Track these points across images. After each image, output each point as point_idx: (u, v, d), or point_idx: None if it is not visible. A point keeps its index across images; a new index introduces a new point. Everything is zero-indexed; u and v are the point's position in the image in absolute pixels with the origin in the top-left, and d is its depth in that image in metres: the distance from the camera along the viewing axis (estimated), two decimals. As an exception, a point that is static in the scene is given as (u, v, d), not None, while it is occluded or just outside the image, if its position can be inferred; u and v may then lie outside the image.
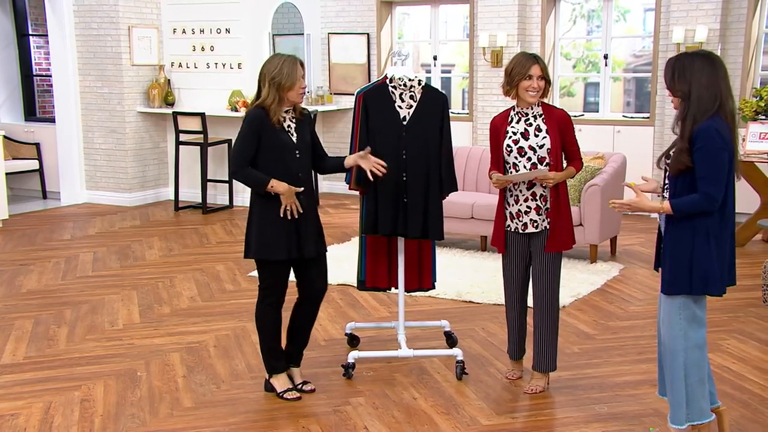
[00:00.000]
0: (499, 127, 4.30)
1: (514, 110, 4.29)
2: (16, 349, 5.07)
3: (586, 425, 3.95)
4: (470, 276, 6.51)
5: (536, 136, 4.19)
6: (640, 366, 4.68)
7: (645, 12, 10.65)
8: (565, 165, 4.30)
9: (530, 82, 4.15)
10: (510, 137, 4.24)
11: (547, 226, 4.23)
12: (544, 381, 4.38)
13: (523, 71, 4.16)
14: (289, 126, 4.19)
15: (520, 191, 4.23)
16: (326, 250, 4.35)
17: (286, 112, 4.20)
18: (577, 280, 6.38)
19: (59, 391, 4.41)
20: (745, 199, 8.25)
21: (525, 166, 4.20)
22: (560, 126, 4.21)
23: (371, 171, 4.26)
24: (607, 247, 7.38)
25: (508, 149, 4.23)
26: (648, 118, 9.11)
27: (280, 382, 4.32)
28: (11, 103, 11.19)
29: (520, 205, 4.24)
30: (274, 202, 4.13)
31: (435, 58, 10.46)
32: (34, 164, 10.48)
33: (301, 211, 4.15)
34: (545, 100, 4.30)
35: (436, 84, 10.32)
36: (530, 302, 4.39)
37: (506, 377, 4.54)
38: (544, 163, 4.19)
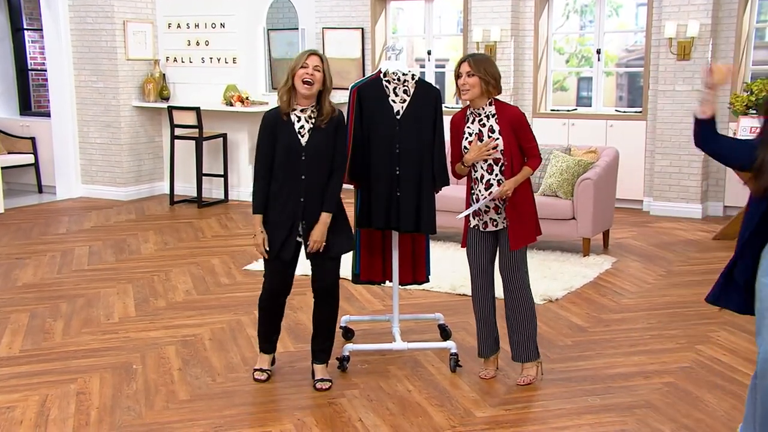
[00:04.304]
0: (458, 126, 4.31)
1: (469, 109, 4.29)
2: (12, 342, 5.09)
3: (578, 417, 3.99)
4: (464, 269, 6.48)
5: (489, 137, 4.19)
6: (632, 358, 4.73)
7: (637, 7, 10.69)
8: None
9: (459, 80, 4.17)
10: (466, 138, 4.25)
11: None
12: (535, 370, 4.39)
13: (456, 70, 4.20)
14: (302, 126, 4.09)
15: (480, 191, 4.26)
16: (338, 250, 4.25)
17: (302, 110, 4.10)
18: (569, 274, 6.42)
19: (55, 384, 4.43)
20: (736, 192, 8.32)
21: (482, 167, 4.22)
22: (513, 125, 4.18)
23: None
24: (600, 240, 7.43)
25: (465, 151, 4.24)
26: (640, 112, 9.15)
27: (259, 359, 4.48)
28: (6, 98, 11.20)
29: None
30: (272, 203, 4.15)
31: (429, 52, 10.48)
32: (29, 158, 10.50)
33: (266, 257, 4.18)
34: (500, 98, 4.27)
35: (430, 79, 10.34)
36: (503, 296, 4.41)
37: (480, 377, 4.48)
38: (500, 164, 4.19)
